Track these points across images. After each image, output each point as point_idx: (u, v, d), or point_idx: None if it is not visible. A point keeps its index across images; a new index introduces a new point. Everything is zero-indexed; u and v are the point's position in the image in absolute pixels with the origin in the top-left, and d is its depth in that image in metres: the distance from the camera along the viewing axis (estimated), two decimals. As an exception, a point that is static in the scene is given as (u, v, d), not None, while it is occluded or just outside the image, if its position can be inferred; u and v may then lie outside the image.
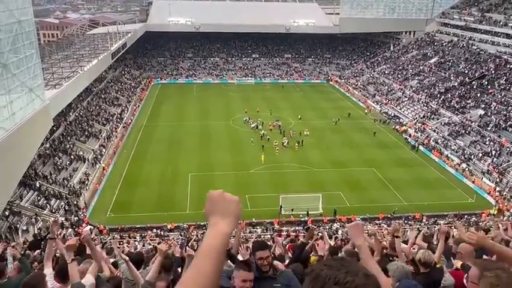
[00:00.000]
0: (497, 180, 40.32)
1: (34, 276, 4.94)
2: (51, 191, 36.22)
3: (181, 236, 30.85)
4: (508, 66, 59.42)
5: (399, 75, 73.51)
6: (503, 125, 48.13)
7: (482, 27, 70.73)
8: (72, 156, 42.87)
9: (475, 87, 58.88)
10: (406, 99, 65.15)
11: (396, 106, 64.22)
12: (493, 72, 59.84)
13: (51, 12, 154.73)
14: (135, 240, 26.30)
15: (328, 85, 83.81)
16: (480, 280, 2.50)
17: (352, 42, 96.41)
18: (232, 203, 1.71)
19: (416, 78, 69.75)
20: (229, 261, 5.63)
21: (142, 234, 31.54)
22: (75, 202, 36.35)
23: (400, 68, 76.17)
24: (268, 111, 61.95)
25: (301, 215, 34.88)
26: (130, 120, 59.39)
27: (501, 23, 67.29)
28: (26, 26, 29.49)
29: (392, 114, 61.72)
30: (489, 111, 52.01)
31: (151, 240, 27.90)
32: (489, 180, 40.88)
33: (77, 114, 52.56)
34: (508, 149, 43.96)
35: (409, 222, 34.19)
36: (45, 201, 34.63)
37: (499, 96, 53.90)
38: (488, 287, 2.32)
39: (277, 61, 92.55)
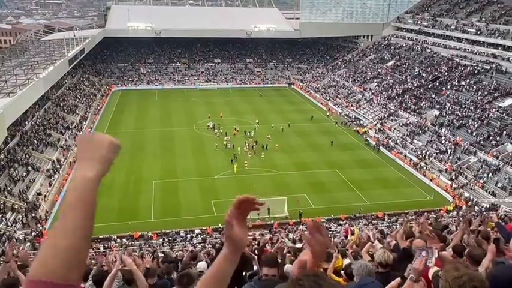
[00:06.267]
0: (453, 177, 42.09)
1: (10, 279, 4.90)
2: (7, 204, 34.66)
3: (144, 246, 30.25)
4: (460, 68, 62.33)
5: (358, 78, 75.43)
6: (457, 124, 50.35)
7: (434, 31, 73.85)
8: (28, 167, 41.21)
9: (429, 87, 61.37)
10: (366, 101, 66.92)
11: (356, 108, 65.82)
12: (446, 74, 62.56)
13: (3, 18, 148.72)
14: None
15: (290, 89, 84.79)
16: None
17: (313, 46, 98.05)
18: (101, 145, 1.44)
19: (375, 80, 71.81)
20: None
21: (105, 245, 30.71)
22: (33, 214, 34.93)
23: (359, 71, 78.17)
24: (233, 117, 61.99)
25: (267, 219, 35.03)
26: (90, 128, 57.75)
27: (452, 27, 70.48)
28: (-24, 32, 28.17)
29: (353, 117, 63.20)
30: (444, 112, 54.28)
31: (115, 250, 27.20)
32: (446, 178, 42.61)
33: (33, 123, 50.62)
34: (462, 147, 46.02)
35: (372, 221, 35.03)
36: (0, 215, 33.07)
37: (453, 97, 56.38)
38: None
39: (239, 66, 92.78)
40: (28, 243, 30.62)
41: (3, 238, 30.51)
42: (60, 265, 1.20)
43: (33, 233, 32.27)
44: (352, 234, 16.25)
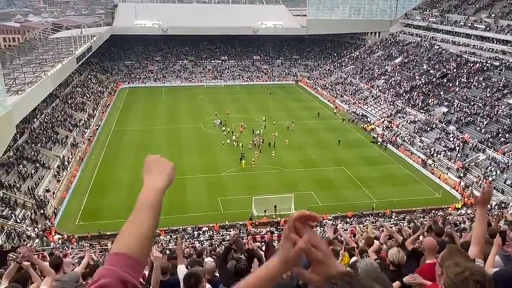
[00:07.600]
0: (462, 175, 41.77)
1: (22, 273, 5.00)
2: (16, 201, 35.02)
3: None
4: (469, 64, 61.75)
5: (366, 75, 75.04)
6: (465, 121, 49.94)
7: (443, 27, 73.18)
8: (37, 164, 41.58)
9: (437, 84, 60.91)
10: (373, 98, 66.58)
11: (364, 105, 65.52)
12: (454, 70, 62.02)
13: (12, 16, 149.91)
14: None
15: (297, 86, 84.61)
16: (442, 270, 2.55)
17: (320, 43, 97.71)
18: (167, 166, 1.75)
19: (382, 77, 71.38)
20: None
21: (113, 241, 30.90)
22: (41, 211, 35.27)
23: (367, 68, 77.77)
24: (240, 114, 61.99)
25: (274, 216, 35.05)
26: (97, 126, 58.11)
27: (461, 23, 69.82)
28: (-15, 31, 28.41)
29: (360, 114, 62.91)
30: (452, 109, 53.85)
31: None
32: (454, 175, 42.30)
33: (41, 120, 51.03)
34: (471, 145, 45.65)
35: (379, 219, 34.89)
36: (9, 212, 33.43)
37: (461, 93, 55.91)
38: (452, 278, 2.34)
39: (246, 63, 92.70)
40: (37, 240, 30.97)
41: (13, 234, 30.88)
42: (137, 245, 1.49)
43: (38, 228, 32.60)
44: (363, 232, 16.28)
